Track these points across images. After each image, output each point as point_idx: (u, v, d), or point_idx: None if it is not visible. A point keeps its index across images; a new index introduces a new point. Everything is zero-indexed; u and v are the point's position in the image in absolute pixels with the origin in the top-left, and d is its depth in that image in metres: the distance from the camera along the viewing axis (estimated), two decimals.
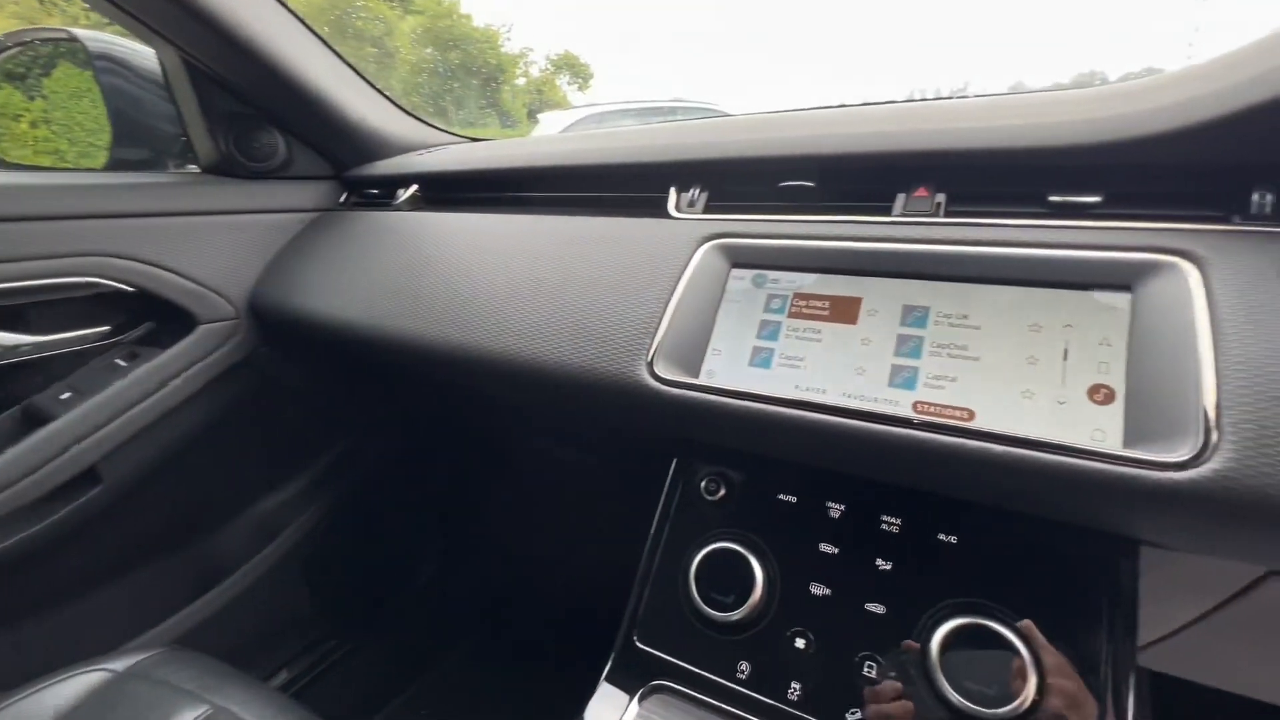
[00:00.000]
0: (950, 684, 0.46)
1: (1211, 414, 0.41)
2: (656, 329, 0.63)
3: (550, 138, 1.21)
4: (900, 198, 0.65)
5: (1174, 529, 0.43)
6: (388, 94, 1.24)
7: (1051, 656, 0.45)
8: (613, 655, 0.57)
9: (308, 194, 1.13)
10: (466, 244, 0.85)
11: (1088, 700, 0.43)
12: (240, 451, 1.16)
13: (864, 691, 0.49)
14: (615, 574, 0.69)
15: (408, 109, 1.28)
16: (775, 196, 0.72)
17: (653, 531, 0.61)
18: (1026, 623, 0.46)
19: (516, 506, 1.28)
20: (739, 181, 0.75)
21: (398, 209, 1.04)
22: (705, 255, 0.67)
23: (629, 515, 0.69)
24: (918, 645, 0.48)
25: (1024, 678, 0.44)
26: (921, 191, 0.64)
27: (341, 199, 1.17)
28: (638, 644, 0.57)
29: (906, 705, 0.47)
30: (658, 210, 0.78)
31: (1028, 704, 0.44)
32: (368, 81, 1.19)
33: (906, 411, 0.52)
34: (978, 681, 0.45)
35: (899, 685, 0.48)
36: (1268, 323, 0.43)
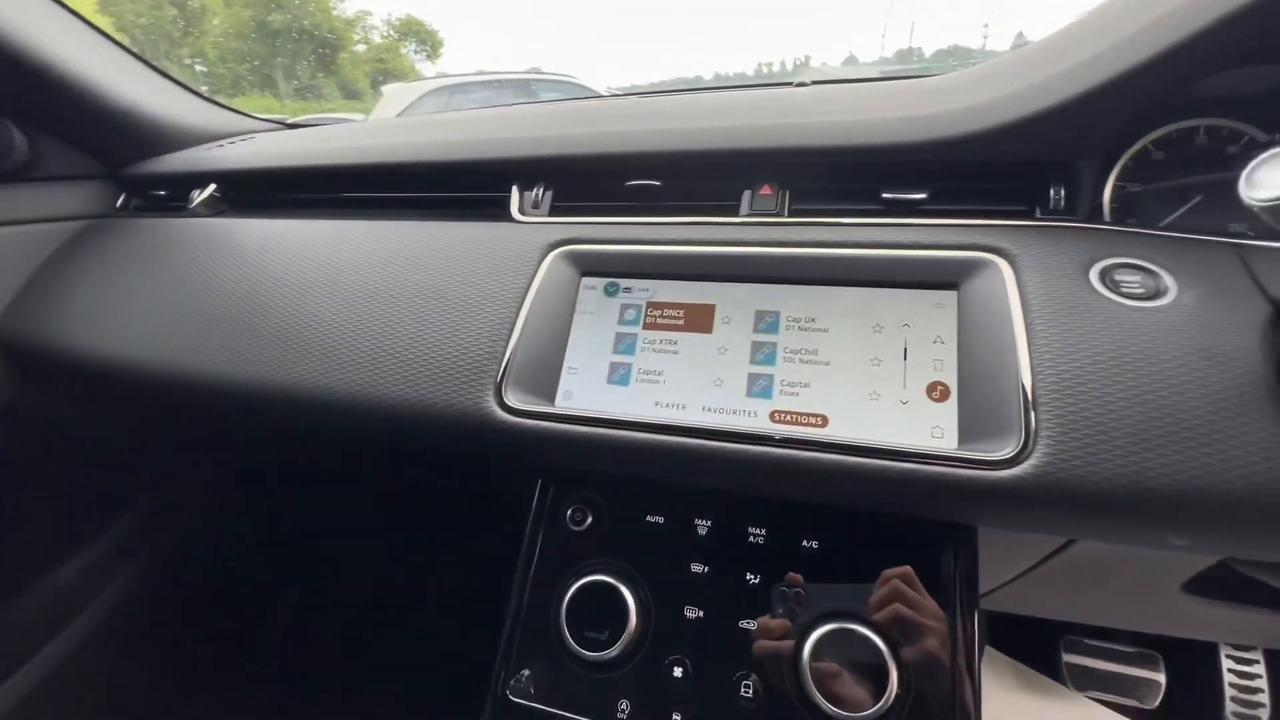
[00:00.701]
0: (822, 693, 0.46)
1: (1030, 410, 0.44)
2: (504, 351, 0.57)
3: (378, 125, 1.08)
4: (746, 195, 0.64)
5: (1004, 517, 0.45)
6: (171, 75, 1.04)
7: (910, 650, 0.46)
8: (486, 712, 0.53)
9: (70, 198, 0.92)
10: (277, 257, 0.73)
11: (944, 684, 0.46)
12: (14, 516, 0.95)
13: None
14: (484, 608, 0.64)
15: (199, 90, 1.09)
16: (623, 196, 0.68)
17: (518, 575, 0.56)
18: (885, 619, 0.47)
19: (375, 538, 1.17)
20: (585, 180, 0.70)
21: (192, 214, 0.88)
22: (554, 264, 0.62)
23: (495, 540, 0.64)
24: (790, 657, 0.48)
25: (887, 675, 0.46)
26: (766, 189, 0.63)
27: (119, 203, 0.97)
28: (510, 698, 0.53)
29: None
30: (500, 212, 0.71)
31: (891, 700, 0.45)
32: (140, 59, 0.99)
33: (765, 423, 0.52)
34: (847, 686, 0.46)
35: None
36: (1069, 317, 0.46)
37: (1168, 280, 0.46)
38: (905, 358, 0.51)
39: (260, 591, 1.24)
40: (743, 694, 0.49)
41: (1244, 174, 0.34)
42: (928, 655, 0.46)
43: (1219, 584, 0.60)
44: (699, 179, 0.66)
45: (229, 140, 1.05)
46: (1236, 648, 1.01)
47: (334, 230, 0.75)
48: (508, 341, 0.58)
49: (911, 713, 0.45)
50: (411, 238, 0.70)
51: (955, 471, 0.43)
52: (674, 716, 0.49)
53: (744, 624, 0.51)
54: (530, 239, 0.65)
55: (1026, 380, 0.45)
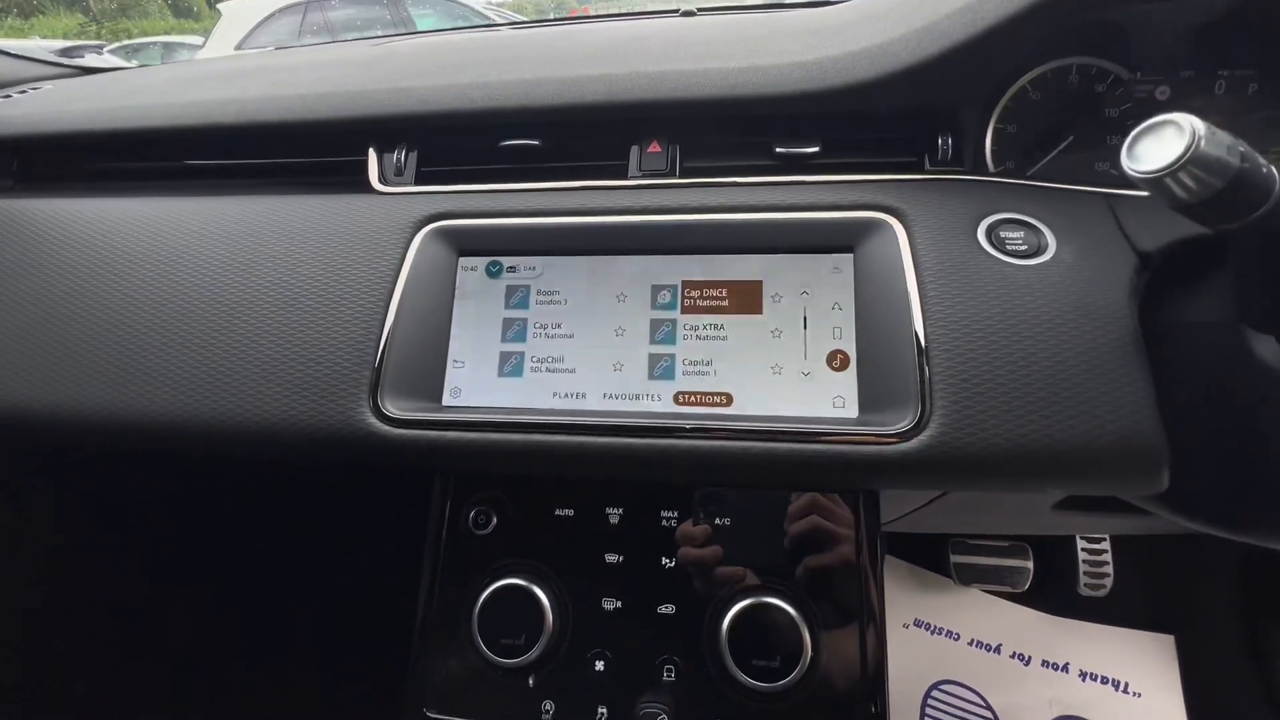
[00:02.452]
0: (740, 668, 0.47)
1: (926, 381, 0.44)
2: (376, 350, 0.51)
3: (205, 71, 0.90)
4: (634, 153, 0.59)
5: (902, 483, 0.47)
6: None
7: (822, 616, 0.48)
8: None
9: None
10: (83, 250, 0.61)
11: (853, 657, 0.48)
12: None
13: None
14: (394, 616, 0.60)
15: None
16: (498, 157, 0.61)
17: (423, 586, 0.53)
18: (799, 590, 0.49)
19: (266, 553, 1.08)
20: (453, 140, 0.62)
21: None
22: (425, 244, 0.55)
23: (398, 539, 0.59)
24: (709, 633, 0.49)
25: (801, 644, 0.47)
26: (654, 146, 0.58)
27: None
28: (428, 715, 0.51)
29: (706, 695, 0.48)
30: (357, 180, 0.62)
31: (807, 665, 0.47)
32: None
33: (670, 406, 0.49)
34: (764, 658, 0.47)
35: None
36: (960, 278, 0.46)
37: (1048, 236, 0.47)
38: (805, 326, 0.50)
39: (140, 615, 1.13)
40: (665, 678, 0.49)
41: (1125, 145, 0.33)
42: (838, 615, 0.48)
43: (1083, 502, 0.67)
44: (581, 136, 0.60)
45: (6, 91, 0.85)
46: (1089, 539, 1.16)
47: (154, 211, 0.63)
48: (379, 339, 0.51)
49: (825, 677, 0.47)
50: (253, 217, 0.60)
51: (856, 448, 0.43)
52: (599, 711, 0.49)
53: (662, 609, 0.50)
54: (395, 215, 0.57)
55: (921, 345, 0.45)
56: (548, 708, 0.49)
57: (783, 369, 0.49)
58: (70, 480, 0.97)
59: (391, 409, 0.49)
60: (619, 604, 0.51)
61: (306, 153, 0.66)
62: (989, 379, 0.43)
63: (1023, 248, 0.47)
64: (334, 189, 0.62)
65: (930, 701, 1.14)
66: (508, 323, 0.54)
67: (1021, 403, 0.42)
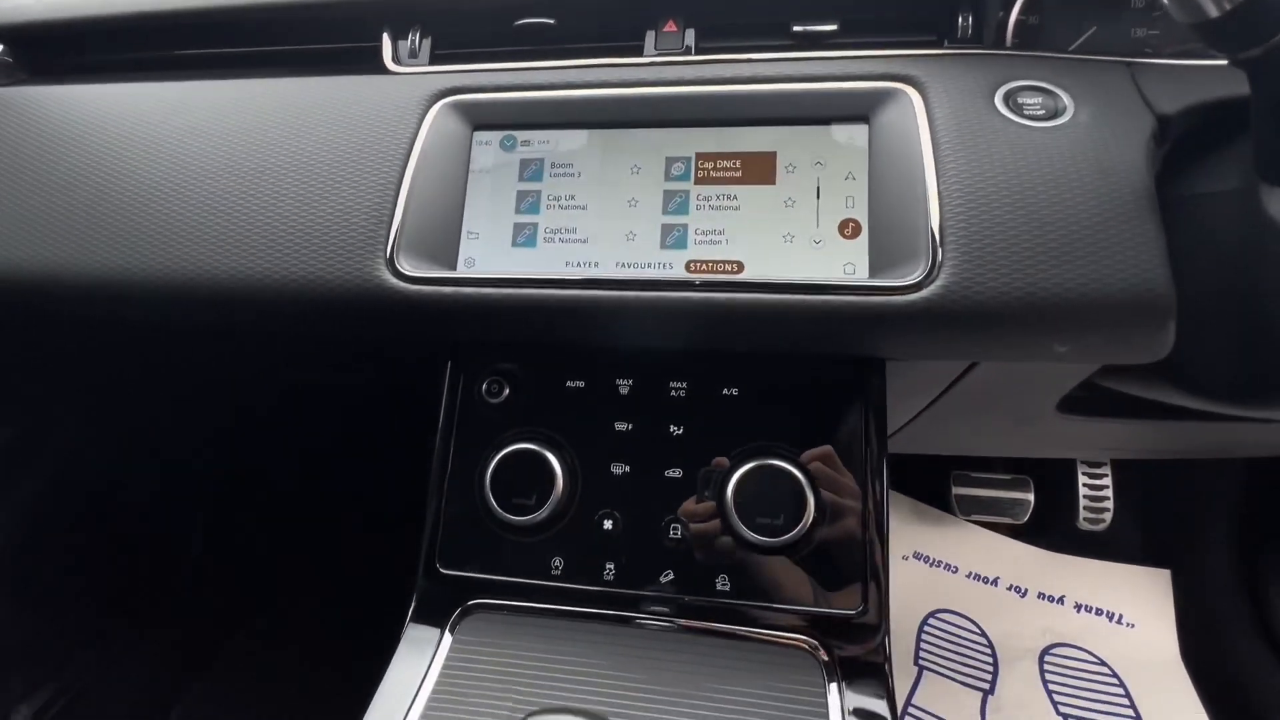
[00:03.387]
0: (746, 525, 0.48)
1: (937, 236, 0.44)
2: (392, 216, 0.51)
3: None
4: (650, 35, 0.58)
5: (912, 343, 0.47)
6: None
7: (825, 478, 0.49)
8: (416, 593, 0.52)
9: None
10: (104, 132, 0.61)
11: (856, 509, 0.49)
12: None
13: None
14: (406, 506, 0.61)
15: None
16: (513, 39, 0.61)
17: (437, 448, 0.54)
18: (804, 453, 0.50)
19: (281, 454, 1.10)
20: (466, 22, 0.62)
21: None
22: (439, 118, 0.55)
23: (409, 436, 0.61)
24: (713, 503, 0.50)
25: (805, 502, 0.48)
26: (670, 26, 0.58)
27: None
28: (441, 570, 0.52)
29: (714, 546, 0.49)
30: (371, 64, 0.62)
31: (809, 523, 0.48)
32: None
33: (681, 274, 0.50)
34: (769, 515, 0.48)
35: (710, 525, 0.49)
36: (976, 142, 0.46)
37: (1065, 100, 0.47)
38: (818, 196, 0.50)
39: (161, 523, 1.16)
40: (671, 534, 0.50)
41: None
42: (842, 481, 0.49)
43: (1085, 403, 0.67)
44: (597, 16, 0.59)
45: None
46: (1091, 469, 1.17)
47: (171, 94, 0.63)
48: (395, 206, 0.52)
49: (827, 533, 0.48)
50: (268, 95, 0.60)
51: (866, 299, 0.44)
52: (607, 566, 0.51)
53: (670, 473, 0.51)
54: (410, 90, 0.57)
55: (934, 209, 0.45)
56: (557, 564, 0.51)
57: (794, 237, 0.50)
58: (88, 397, 0.99)
59: (409, 268, 0.49)
60: (627, 469, 0.52)
61: (319, 39, 0.66)
62: (1001, 233, 0.43)
63: (1040, 112, 0.46)
64: (346, 72, 0.62)
65: (926, 629, 1.16)
66: (521, 195, 0.54)
67: (1033, 255, 0.42)
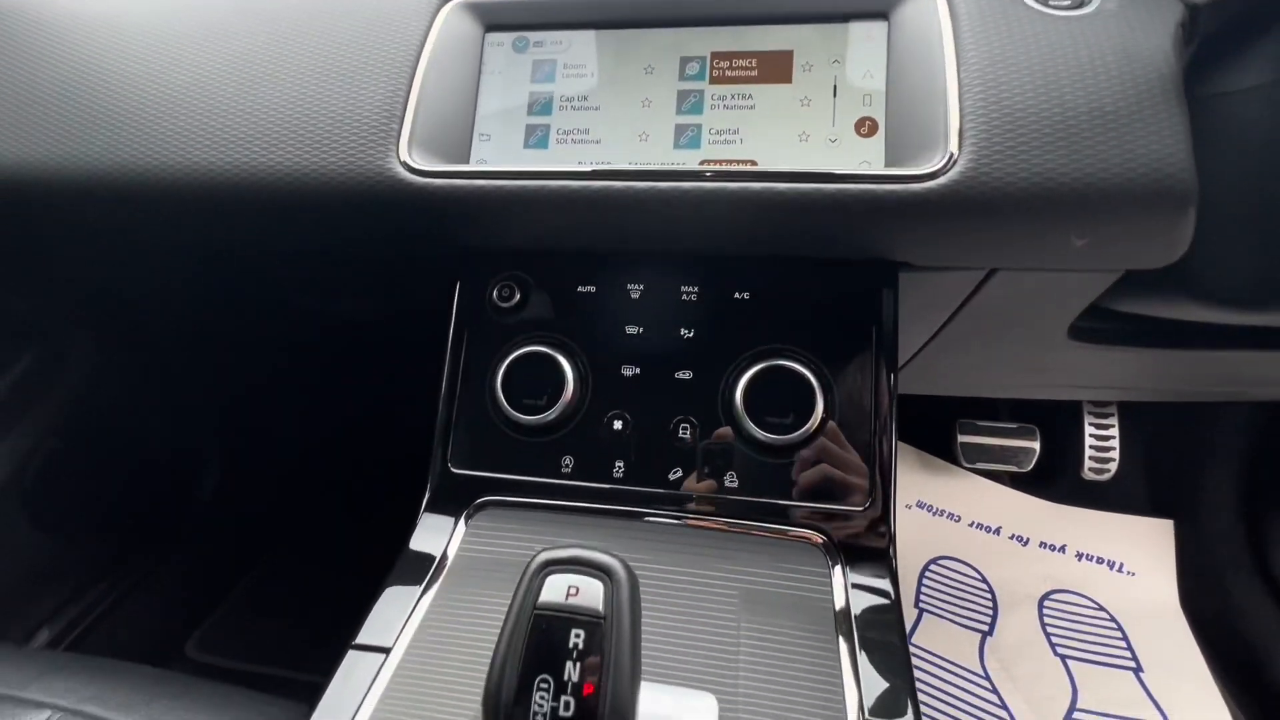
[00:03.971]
0: (755, 423, 0.48)
1: (954, 128, 0.44)
2: (404, 113, 0.51)
3: None
4: None
5: (927, 239, 0.47)
6: None
7: (835, 380, 0.49)
8: (429, 486, 0.53)
9: None
10: (113, 26, 0.60)
11: (864, 410, 0.49)
12: None
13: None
14: (418, 425, 0.62)
15: None
16: None
17: (449, 352, 0.55)
18: (814, 356, 0.50)
19: (295, 384, 1.11)
20: None
21: None
22: (450, 19, 0.54)
23: (421, 362, 0.61)
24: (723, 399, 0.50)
25: (814, 402, 0.48)
26: None
27: None
28: (453, 470, 0.53)
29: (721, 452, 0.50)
30: None
31: (817, 423, 0.48)
32: None
33: (694, 166, 0.49)
34: (778, 414, 0.49)
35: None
36: (999, 33, 0.45)
37: None
38: (835, 95, 0.49)
39: (174, 457, 1.18)
40: (680, 435, 0.51)
41: None
42: (850, 381, 0.49)
43: (1096, 332, 0.67)
44: None
45: None
46: (1097, 418, 1.17)
47: None
48: (406, 104, 0.51)
49: (835, 433, 0.49)
50: None
51: (881, 188, 0.43)
52: (616, 464, 0.51)
53: (680, 375, 0.52)
54: None
55: (953, 101, 0.44)
56: (567, 462, 0.52)
57: (809, 136, 0.49)
58: (102, 323, 1.00)
59: (420, 162, 0.49)
60: (637, 370, 0.52)
61: None
62: (1021, 119, 0.42)
63: (1066, 1, 0.45)
64: None
65: (928, 574, 1.18)
66: (534, 96, 0.53)
67: (1054, 141, 0.41)
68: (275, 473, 1.18)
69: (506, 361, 0.52)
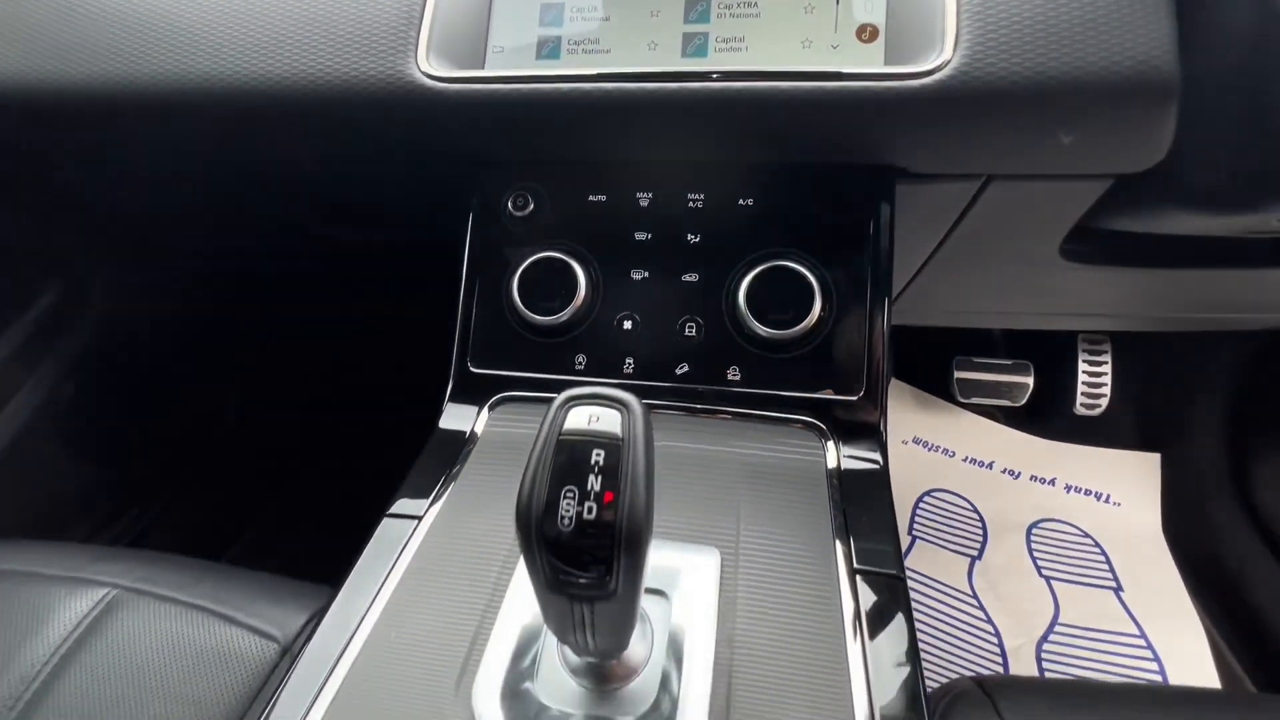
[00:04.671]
0: (758, 320, 0.52)
1: (950, 32, 0.46)
2: (420, 22, 0.52)
3: None
4: None
5: (923, 138, 0.49)
6: None
7: (833, 279, 0.52)
8: (451, 383, 0.56)
9: None
10: None
11: (861, 308, 0.52)
12: None
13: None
14: (432, 345, 0.65)
15: None
16: None
17: (466, 258, 0.57)
18: (814, 258, 0.52)
19: (310, 313, 1.14)
20: None
21: None
22: None
23: (435, 285, 0.64)
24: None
25: (812, 300, 0.51)
26: None
27: None
28: (472, 369, 0.56)
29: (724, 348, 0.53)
30: None
31: (816, 319, 0.51)
32: None
33: (700, 68, 0.51)
34: (778, 312, 0.52)
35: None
36: None
37: None
38: (837, 3, 0.51)
39: (197, 388, 1.22)
40: (686, 333, 0.54)
41: None
42: (847, 279, 0.52)
43: (1087, 252, 0.69)
44: None
45: None
46: (1091, 352, 1.20)
47: None
48: (422, 14, 0.53)
49: (833, 329, 0.52)
50: None
51: (880, 85, 0.45)
52: (626, 361, 0.54)
53: (686, 277, 0.55)
54: None
55: (950, 6, 0.46)
56: (580, 360, 0.55)
57: (812, 43, 0.51)
58: (123, 256, 1.03)
59: (437, 69, 0.51)
60: (646, 274, 0.55)
61: None
62: (1012, 21, 0.44)
63: None
64: None
65: (921, 505, 1.22)
66: (545, 8, 0.55)
67: (1044, 39, 0.43)
68: (295, 399, 1.22)
69: (522, 266, 0.55)
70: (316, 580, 0.59)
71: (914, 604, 1.08)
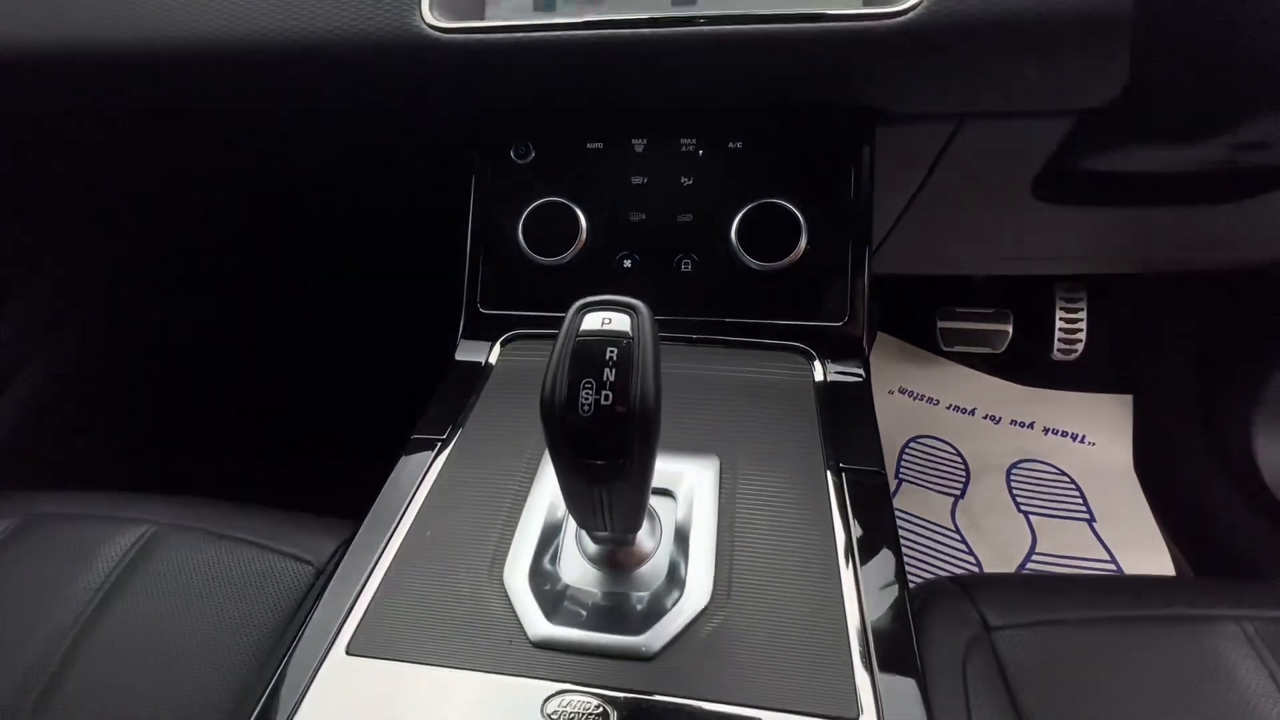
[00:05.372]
0: (749, 254, 0.55)
1: None
2: None
3: None
4: None
5: (900, 77, 0.52)
6: None
7: (819, 214, 0.56)
8: (462, 322, 0.60)
9: None
10: None
11: (844, 241, 0.56)
12: None
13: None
14: (437, 298, 0.68)
15: None
16: None
17: (473, 205, 0.61)
18: (801, 195, 0.56)
19: (315, 267, 1.16)
20: None
21: None
22: None
23: (440, 238, 0.66)
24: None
25: (799, 234, 0.55)
26: None
27: None
28: (482, 310, 0.60)
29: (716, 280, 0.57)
30: None
31: (801, 252, 0.55)
32: None
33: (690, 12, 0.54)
34: (767, 246, 0.56)
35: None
36: None
37: None
38: None
39: (208, 348, 1.24)
40: (683, 269, 0.58)
41: None
42: (831, 214, 0.56)
43: (1058, 191, 0.73)
44: None
45: None
46: (1067, 300, 1.25)
47: None
48: None
49: (818, 260, 0.56)
50: None
51: (860, 25, 0.48)
52: None
53: (681, 218, 0.58)
54: None
55: None
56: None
57: None
58: (128, 223, 1.05)
59: (440, 20, 0.54)
60: (643, 216, 0.59)
61: None
62: None
63: None
64: None
65: (907, 450, 1.28)
66: None
67: None
68: (304, 359, 1.25)
69: (526, 211, 0.59)
70: (343, 517, 0.63)
71: (902, 541, 1.15)
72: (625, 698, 0.33)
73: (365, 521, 0.45)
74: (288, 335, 1.24)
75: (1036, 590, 0.53)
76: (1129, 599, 0.51)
